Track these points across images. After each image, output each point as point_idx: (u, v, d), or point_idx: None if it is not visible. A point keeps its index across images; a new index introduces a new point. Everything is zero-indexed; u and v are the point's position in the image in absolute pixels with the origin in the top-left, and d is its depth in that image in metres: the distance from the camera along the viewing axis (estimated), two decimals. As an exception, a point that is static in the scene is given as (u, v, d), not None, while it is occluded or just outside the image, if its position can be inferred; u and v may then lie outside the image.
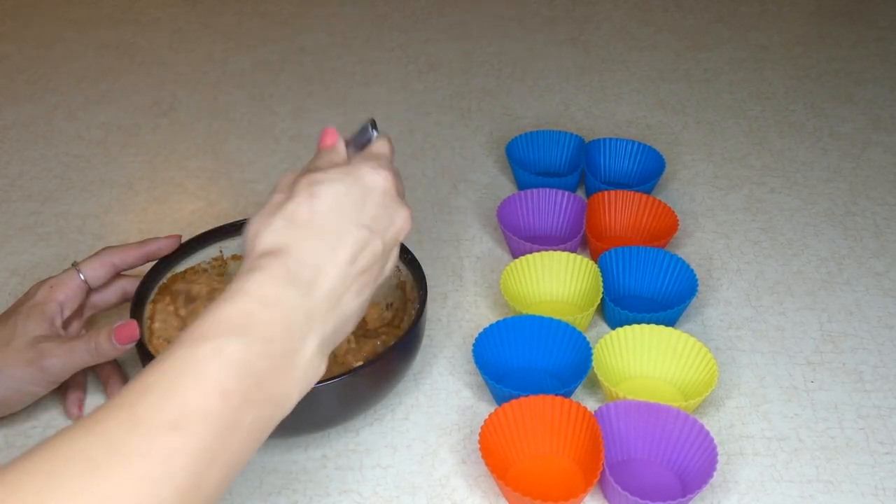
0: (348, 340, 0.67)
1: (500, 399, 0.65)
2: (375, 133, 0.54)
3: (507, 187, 0.91)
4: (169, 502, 0.35)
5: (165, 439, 0.36)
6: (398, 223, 0.50)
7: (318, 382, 0.57)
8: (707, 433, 0.60)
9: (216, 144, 0.98)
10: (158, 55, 1.17)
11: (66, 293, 0.64)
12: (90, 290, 0.67)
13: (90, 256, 0.67)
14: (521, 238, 0.79)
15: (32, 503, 0.32)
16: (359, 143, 0.54)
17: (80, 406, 0.65)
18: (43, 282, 0.65)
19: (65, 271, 0.66)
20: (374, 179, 0.49)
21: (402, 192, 0.52)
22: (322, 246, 0.46)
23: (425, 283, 0.66)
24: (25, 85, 1.10)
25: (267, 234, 0.46)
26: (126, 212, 0.88)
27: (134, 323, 0.60)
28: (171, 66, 1.14)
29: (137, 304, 0.65)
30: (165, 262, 0.68)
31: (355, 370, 0.59)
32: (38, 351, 0.59)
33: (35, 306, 0.62)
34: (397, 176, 0.51)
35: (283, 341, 0.42)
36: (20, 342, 0.60)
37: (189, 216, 0.87)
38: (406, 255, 0.69)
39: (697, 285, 0.73)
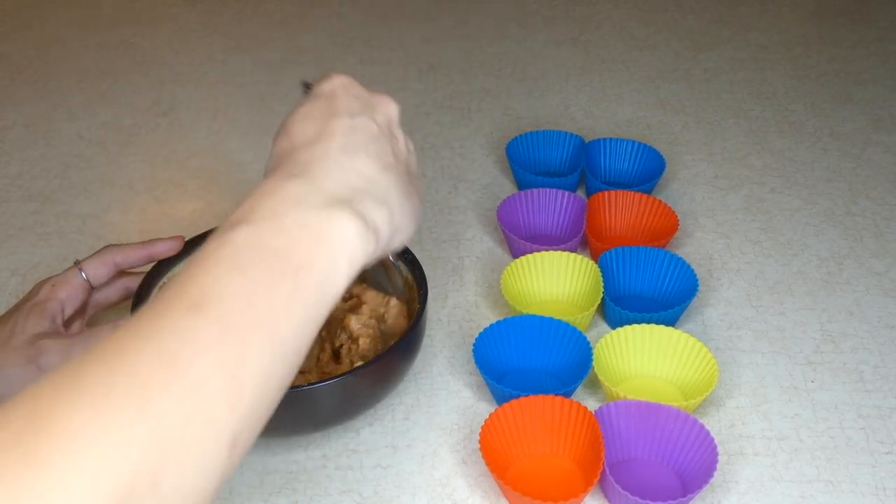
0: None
1: (500, 399, 0.65)
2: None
3: (507, 187, 0.91)
4: (210, 382, 0.33)
5: (190, 318, 0.34)
6: (381, 105, 0.49)
7: (319, 382, 0.58)
8: (707, 433, 0.60)
9: (216, 144, 0.98)
10: (158, 55, 1.17)
11: (68, 291, 0.64)
12: (92, 289, 0.67)
13: (92, 255, 0.67)
14: (521, 238, 0.79)
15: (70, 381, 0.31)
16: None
17: None
18: (45, 280, 0.65)
19: (67, 270, 0.66)
20: (329, 85, 0.49)
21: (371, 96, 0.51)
22: (307, 146, 0.45)
23: (426, 283, 0.66)
24: (25, 85, 1.10)
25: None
26: (126, 212, 0.88)
27: None
28: (171, 66, 1.14)
29: (138, 303, 0.65)
30: (166, 262, 0.68)
31: (356, 370, 0.59)
32: (36, 349, 0.59)
33: (36, 304, 0.62)
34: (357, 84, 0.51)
35: (293, 215, 0.40)
36: (19, 340, 0.60)
37: (189, 216, 0.87)
38: (406, 254, 0.69)
39: (697, 285, 0.73)
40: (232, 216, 0.40)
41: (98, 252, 0.67)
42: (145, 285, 0.67)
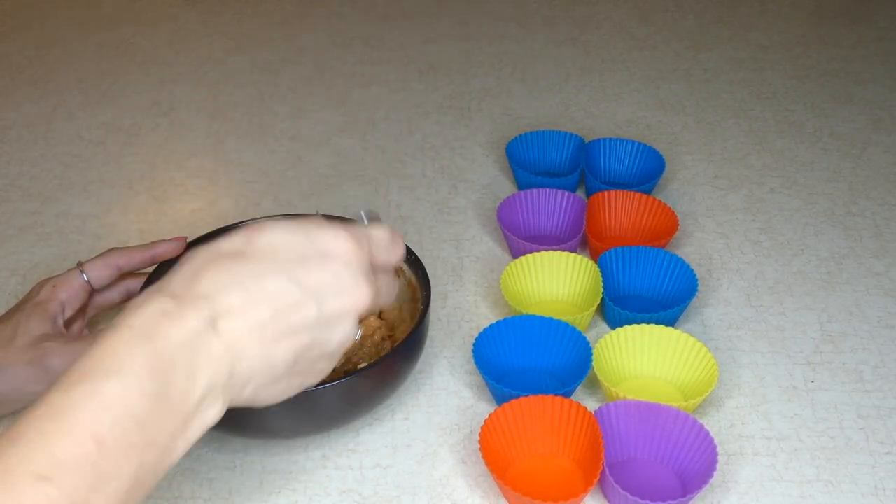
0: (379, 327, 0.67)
1: (500, 399, 0.65)
2: (364, 219, 0.52)
3: (507, 187, 0.91)
4: None
5: (33, 491, 0.33)
6: (348, 299, 0.44)
7: (323, 383, 0.58)
8: (707, 433, 0.60)
9: (216, 144, 0.98)
10: (158, 55, 1.17)
11: (69, 292, 0.64)
12: (93, 291, 0.67)
13: (95, 257, 0.67)
14: (521, 238, 0.79)
15: None
16: None
17: None
18: (46, 280, 0.65)
19: (68, 271, 0.66)
20: (330, 244, 0.44)
21: (381, 272, 0.47)
22: (238, 285, 0.41)
23: (429, 284, 0.66)
24: (25, 85, 1.10)
25: (186, 263, 0.42)
26: (126, 212, 0.88)
27: None
28: (171, 66, 1.14)
29: None
30: (167, 263, 0.69)
31: (359, 371, 0.59)
32: (40, 350, 0.59)
33: (37, 305, 0.63)
34: (383, 262, 0.48)
35: (166, 380, 0.38)
36: (22, 341, 0.60)
37: (189, 216, 0.87)
38: (409, 255, 0.69)
39: (697, 285, 0.73)
40: (107, 344, 0.38)
41: (101, 255, 0.67)
42: (147, 286, 0.67)
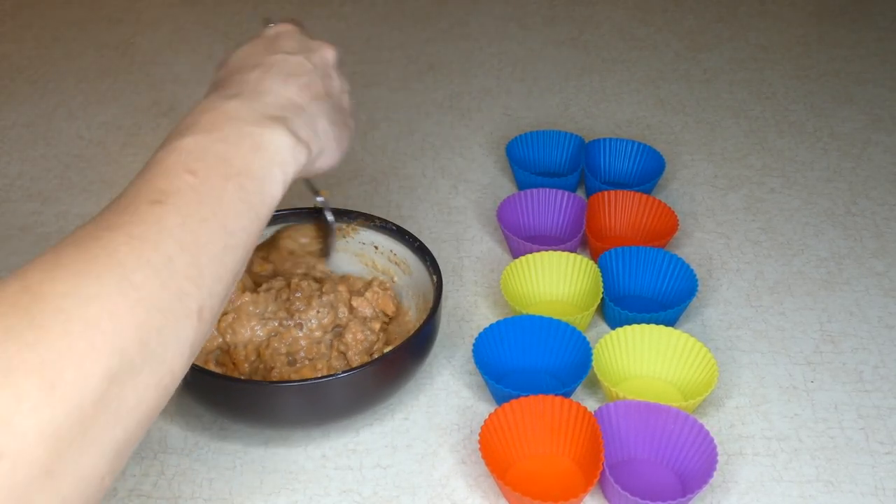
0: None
1: (500, 399, 0.65)
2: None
3: (507, 187, 0.91)
4: (175, 261, 0.37)
5: (154, 209, 0.39)
6: (318, 49, 0.55)
7: (326, 377, 0.58)
8: (707, 433, 0.60)
9: (216, 144, 0.98)
10: (158, 55, 1.17)
11: None
12: None
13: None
14: (521, 238, 0.79)
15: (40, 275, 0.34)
16: None
17: None
18: None
19: None
20: (274, 30, 0.56)
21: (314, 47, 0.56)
22: (244, 72, 0.51)
23: (440, 283, 0.66)
24: (25, 85, 1.10)
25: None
26: (126, 212, 0.88)
27: None
28: (171, 66, 1.14)
29: None
30: None
31: (365, 365, 0.59)
32: None
33: None
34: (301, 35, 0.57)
35: (232, 127, 0.45)
36: None
37: (189, 216, 0.87)
38: (420, 251, 0.69)
39: (697, 285, 0.73)
40: (174, 129, 0.45)
41: None
42: None
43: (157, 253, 0.37)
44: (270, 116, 0.47)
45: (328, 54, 0.55)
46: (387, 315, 0.70)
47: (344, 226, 0.73)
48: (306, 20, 0.55)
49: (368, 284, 0.70)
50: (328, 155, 0.52)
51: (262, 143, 0.45)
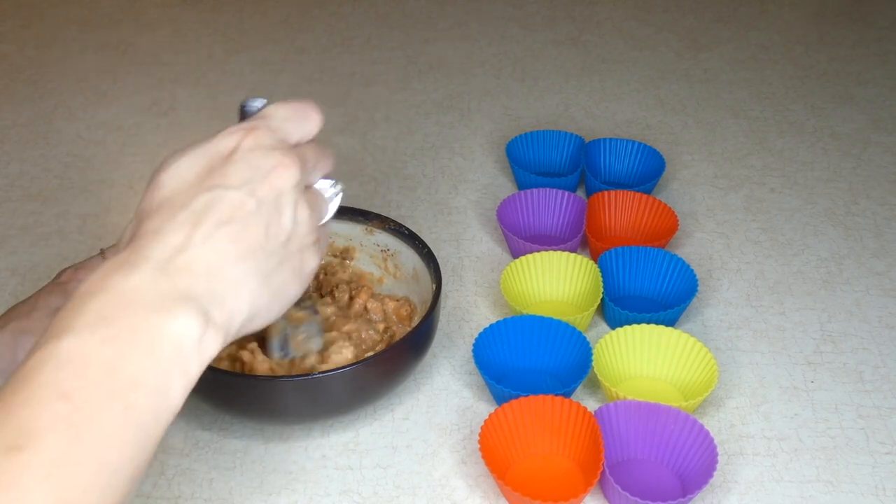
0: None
1: (500, 399, 0.65)
2: (257, 105, 0.49)
3: (507, 187, 0.91)
4: None
5: (10, 462, 0.32)
6: (275, 177, 0.43)
7: (328, 371, 0.58)
8: (707, 433, 0.60)
9: (216, 144, 0.98)
10: (158, 55, 1.17)
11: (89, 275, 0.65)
12: None
13: (116, 243, 0.68)
14: (521, 238, 0.79)
15: None
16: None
17: None
18: (70, 266, 0.66)
19: (91, 257, 0.67)
20: (221, 143, 0.44)
21: (299, 146, 0.46)
22: (167, 213, 0.41)
23: (440, 277, 0.66)
24: (25, 85, 1.10)
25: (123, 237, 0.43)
26: (126, 212, 0.88)
27: None
28: (171, 66, 1.14)
29: None
30: None
31: (364, 360, 0.60)
32: None
33: (58, 284, 0.64)
34: (282, 135, 0.46)
35: (127, 319, 0.37)
36: (41, 313, 0.61)
37: (189, 216, 0.87)
38: (422, 248, 0.70)
39: (697, 285, 0.73)
40: (58, 316, 0.37)
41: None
42: None
43: None
44: (179, 296, 0.38)
45: (283, 180, 0.44)
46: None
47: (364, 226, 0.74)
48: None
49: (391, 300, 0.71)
50: (261, 317, 0.43)
51: (160, 340, 0.37)
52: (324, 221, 0.49)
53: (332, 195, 0.50)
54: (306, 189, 0.46)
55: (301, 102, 0.48)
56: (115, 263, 0.39)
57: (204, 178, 0.42)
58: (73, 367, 0.35)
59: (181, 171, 0.43)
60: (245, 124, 0.45)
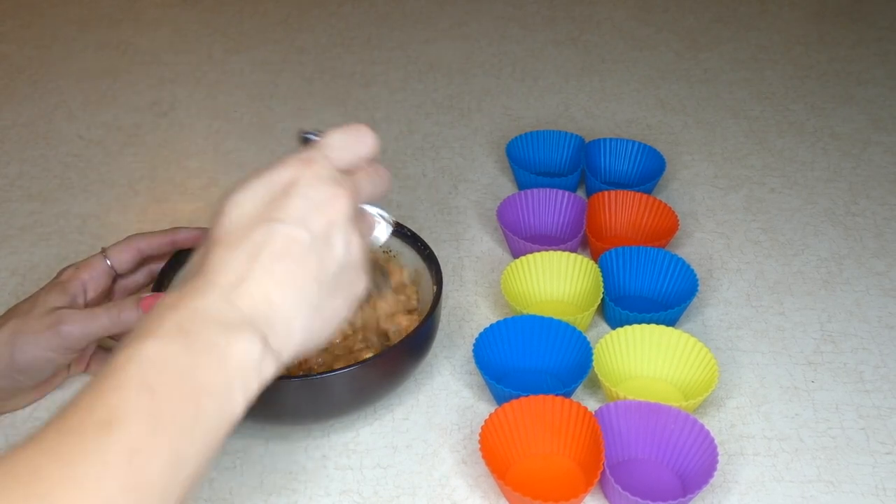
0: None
1: (500, 399, 0.65)
2: (313, 137, 0.52)
3: (507, 187, 0.91)
4: (118, 501, 0.35)
5: (98, 439, 0.35)
6: (329, 209, 0.46)
7: (328, 372, 0.58)
8: (707, 433, 0.60)
9: (216, 144, 0.98)
10: (158, 55, 1.17)
11: (91, 273, 0.66)
12: (117, 276, 0.68)
13: (117, 243, 0.68)
14: (521, 238, 0.79)
15: None
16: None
17: None
18: (71, 265, 0.66)
19: (92, 256, 0.67)
20: (281, 175, 0.47)
21: (351, 178, 0.50)
22: (233, 246, 0.44)
23: (440, 278, 0.66)
24: (25, 85, 1.10)
25: (190, 266, 0.46)
26: (126, 212, 0.88)
27: (162, 295, 0.60)
28: (171, 66, 1.14)
29: (159, 286, 0.67)
30: (185, 252, 0.69)
31: (364, 362, 0.60)
32: (56, 317, 0.61)
33: (58, 283, 0.64)
34: (331, 163, 0.49)
35: (201, 332, 0.41)
36: (40, 311, 0.61)
37: (189, 216, 0.87)
38: (424, 248, 0.70)
39: (698, 285, 0.73)
40: (139, 325, 0.41)
41: (123, 240, 0.68)
42: (166, 272, 0.68)
43: (97, 497, 0.34)
44: (244, 320, 0.42)
45: (336, 211, 0.47)
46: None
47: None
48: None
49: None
50: (312, 344, 0.47)
51: (228, 356, 0.41)
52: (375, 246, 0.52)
53: (382, 221, 0.54)
54: (358, 215, 0.49)
55: (355, 127, 0.51)
56: (191, 286, 0.43)
57: (263, 211, 0.45)
58: (156, 367, 0.38)
59: (244, 203, 0.46)
60: (303, 155, 0.48)
